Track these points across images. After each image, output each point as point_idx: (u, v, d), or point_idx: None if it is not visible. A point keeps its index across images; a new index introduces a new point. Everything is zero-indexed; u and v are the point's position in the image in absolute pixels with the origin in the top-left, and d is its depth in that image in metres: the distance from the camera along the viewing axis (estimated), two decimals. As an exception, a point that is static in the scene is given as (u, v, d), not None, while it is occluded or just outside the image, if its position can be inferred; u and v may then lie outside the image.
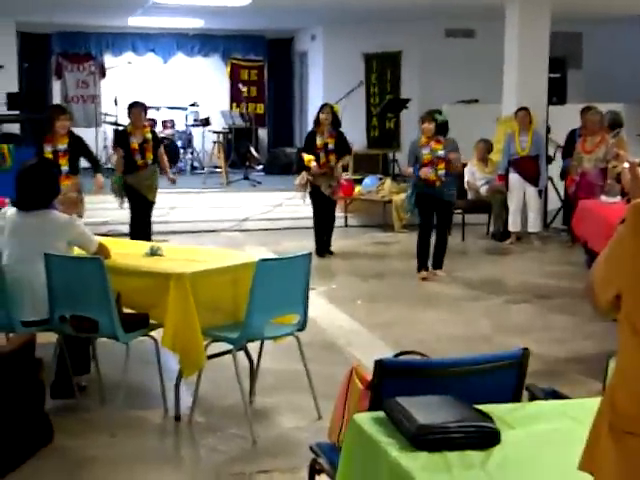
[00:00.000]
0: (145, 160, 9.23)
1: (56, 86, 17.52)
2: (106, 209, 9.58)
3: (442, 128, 8.91)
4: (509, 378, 3.10)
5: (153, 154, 9.29)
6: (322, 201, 10.23)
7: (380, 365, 2.93)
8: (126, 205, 9.43)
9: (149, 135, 9.36)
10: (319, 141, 10.01)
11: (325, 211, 10.33)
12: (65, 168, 8.27)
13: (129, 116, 9.50)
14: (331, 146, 10.03)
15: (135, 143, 9.20)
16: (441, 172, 8.81)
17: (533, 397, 3.26)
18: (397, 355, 3.23)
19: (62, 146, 8.42)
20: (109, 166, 13.24)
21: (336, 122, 10.10)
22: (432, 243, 9.15)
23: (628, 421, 1.99)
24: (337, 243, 10.50)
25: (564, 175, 11.85)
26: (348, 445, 2.76)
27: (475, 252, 11.00)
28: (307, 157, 10.06)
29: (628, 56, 15.55)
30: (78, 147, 8.59)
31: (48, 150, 8.40)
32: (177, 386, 5.14)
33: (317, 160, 9.99)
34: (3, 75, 14.84)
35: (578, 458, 2.10)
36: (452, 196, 9.20)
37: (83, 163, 8.76)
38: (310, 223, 10.68)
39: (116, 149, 9.58)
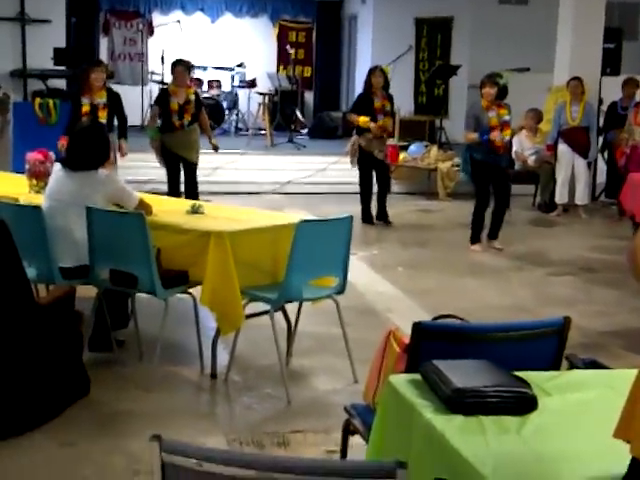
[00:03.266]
0: (182, 121, 9.01)
1: (103, 43, 17.55)
2: (149, 167, 9.56)
3: (502, 92, 8.59)
4: (549, 346, 3.04)
5: (192, 116, 9.08)
6: (373, 167, 10.07)
7: (418, 327, 2.88)
8: (155, 162, 9.36)
9: (192, 96, 9.15)
10: (377, 102, 9.81)
11: (379, 176, 10.18)
12: (102, 122, 8.18)
13: (172, 74, 9.31)
14: (388, 108, 9.90)
15: (175, 103, 9.00)
16: (507, 138, 8.67)
17: (572, 366, 3.19)
18: (436, 318, 3.18)
19: (101, 100, 8.39)
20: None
21: (387, 85, 9.97)
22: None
23: None
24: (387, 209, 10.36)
25: (606, 148, 11.68)
26: (383, 406, 2.73)
27: (521, 223, 10.86)
28: (362, 118, 9.80)
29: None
30: (114, 103, 8.56)
31: (85, 102, 8.37)
32: (214, 344, 5.15)
33: (375, 122, 9.82)
34: (51, 30, 14.84)
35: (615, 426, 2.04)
36: (508, 163, 9.05)
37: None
38: (353, 189, 10.59)
39: (153, 107, 9.47)
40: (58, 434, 4.33)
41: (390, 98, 10.00)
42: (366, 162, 10.04)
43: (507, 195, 9.04)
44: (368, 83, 9.93)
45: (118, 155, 8.68)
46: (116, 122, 8.73)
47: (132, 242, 4.96)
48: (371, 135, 9.83)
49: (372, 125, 9.75)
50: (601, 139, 11.76)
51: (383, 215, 10.25)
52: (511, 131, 8.75)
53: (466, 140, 8.94)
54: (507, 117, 8.62)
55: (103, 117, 8.30)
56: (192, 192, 9.13)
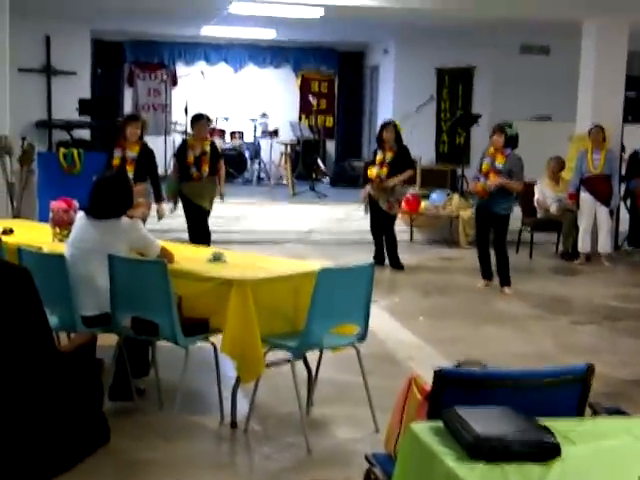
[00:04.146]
0: (200, 173, 9.23)
1: (128, 94, 17.79)
2: (171, 217, 9.62)
3: (512, 141, 8.86)
4: (572, 394, 3.00)
5: (210, 167, 9.27)
6: (378, 215, 10.26)
7: (440, 374, 2.85)
8: (180, 212, 9.46)
9: (208, 148, 9.32)
10: (379, 156, 10.09)
11: (383, 226, 10.33)
12: (130, 175, 8.30)
13: (192, 129, 9.55)
14: (388, 160, 10.02)
15: (192, 156, 9.21)
16: (489, 184, 8.78)
17: (596, 415, 3.15)
18: (458, 365, 3.15)
19: (132, 154, 8.51)
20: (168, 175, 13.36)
21: (398, 138, 10.07)
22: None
23: None
24: (401, 257, 10.40)
25: (629, 195, 11.65)
26: (404, 454, 2.70)
27: (543, 271, 10.81)
28: (369, 170, 10.18)
29: None
30: (147, 159, 8.65)
31: (117, 155, 8.51)
32: (234, 393, 5.12)
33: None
34: (76, 81, 15.11)
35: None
36: (505, 211, 9.01)
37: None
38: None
39: (174, 160, 9.67)
40: (78, 482, 4.31)
41: (401, 149, 10.09)
42: (372, 210, 10.29)
43: (499, 242, 9.15)
44: (379, 137, 10.17)
45: (157, 215, 8.87)
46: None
47: (153, 290, 4.97)
48: (373, 185, 10.05)
49: (367, 186, 10.11)
50: (623, 187, 11.73)
51: (395, 263, 10.34)
52: (496, 178, 8.77)
53: (471, 188, 9.52)
54: (499, 165, 8.80)
55: (130, 171, 8.39)
56: (205, 238, 9.22)
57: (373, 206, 10.25)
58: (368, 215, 10.42)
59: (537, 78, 14.97)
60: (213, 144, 9.64)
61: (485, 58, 15.59)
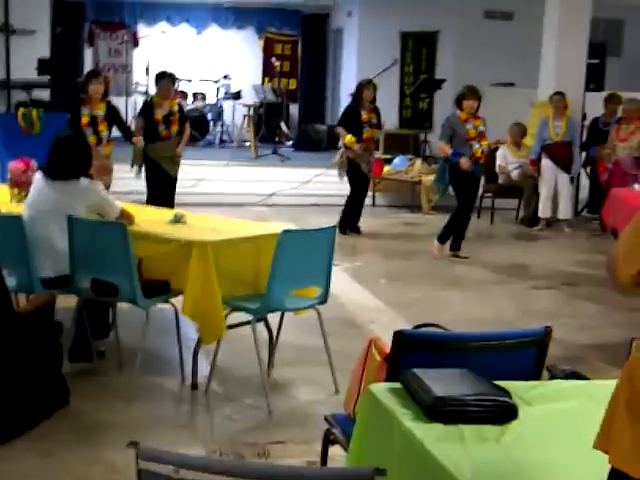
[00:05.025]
0: (169, 131, 9.03)
1: (88, 53, 17.52)
2: (132, 178, 9.51)
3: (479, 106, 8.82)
4: (529, 356, 3.03)
5: (178, 127, 9.10)
6: (360, 178, 10.15)
7: (399, 336, 2.87)
8: (143, 176, 9.24)
9: (175, 107, 9.16)
10: (364, 115, 9.91)
11: (360, 189, 10.25)
12: (105, 134, 8.27)
13: (156, 86, 9.30)
14: (374, 120, 9.98)
15: (159, 114, 9.00)
16: (485, 148, 8.80)
17: (553, 377, 3.19)
18: (417, 327, 3.17)
19: (100, 112, 8.29)
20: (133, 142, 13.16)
21: (374, 99, 10.04)
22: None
23: None
24: (364, 222, 10.41)
25: (589, 163, 11.74)
26: (363, 415, 2.72)
27: (504, 237, 10.89)
28: (348, 137, 9.88)
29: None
30: (113, 116, 8.50)
31: (85, 114, 8.25)
32: (195, 354, 5.13)
33: (361, 135, 9.89)
34: (35, 40, 14.83)
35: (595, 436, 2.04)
36: (480, 174, 9.12)
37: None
38: (338, 201, 10.60)
39: (137, 119, 9.44)
40: (37, 444, 4.30)
41: (377, 111, 10.07)
42: (355, 174, 10.09)
43: (472, 204, 9.19)
44: (358, 96, 9.99)
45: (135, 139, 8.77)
46: (118, 133, 8.73)
47: (113, 252, 4.94)
48: (360, 147, 9.88)
49: (356, 147, 9.82)
50: (583, 154, 11.82)
51: (355, 227, 10.32)
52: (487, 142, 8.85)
53: (440, 151, 9.06)
54: (482, 128, 8.77)
55: (103, 129, 8.26)
56: (170, 206, 8.99)
57: (353, 171, 10.05)
58: (344, 180, 10.25)
59: (501, 44, 14.97)
60: (180, 105, 9.50)
61: (449, 23, 15.54)
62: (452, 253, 9.13)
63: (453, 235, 9.11)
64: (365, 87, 9.98)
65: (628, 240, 2.07)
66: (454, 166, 8.76)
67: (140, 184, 9.50)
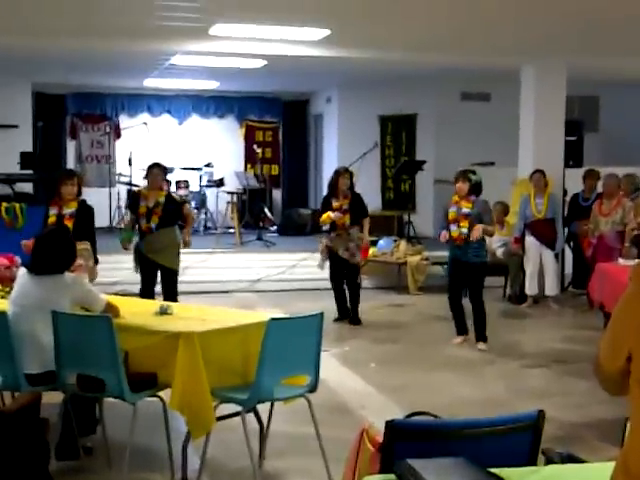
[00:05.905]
0: (149, 225, 8.74)
1: (71, 146, 17.65)
2: (117, 269, 9.49)
3: (475, 188, 8.64)
4: (524, 441, 2.99)
5: (161, 218, 8.74)
6: (340, 265, 10.01)
7: (391, 426, 2.83)
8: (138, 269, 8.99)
9: (162, 199, 8.84)
10: (335, 204, 9.85)
11: (346, 276, 10.08)
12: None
13: (147, 177, 9.03)
14: (345, 207, 9.87)
15: (143, 207, 8.77)
16: (464, 230, 8.52)
17: (549, 461, 3.14)
18: (409, 416, 3.13)
19: (69, 210, 7.95)
20: (121, 226, 13.15)
21: (351, 186, 10.00)
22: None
23: None
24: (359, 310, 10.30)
25: (571, 238, 11.81)
26: (358, 509, 2.66)
27: (491, 315, 10.79)
28: (323, 217, 9.91)
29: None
30: (85, 216, 8.06)
31: (52, 213, 7.99)
32: (184, 448, 5.02)
33: (334, 223, 9.85)
34: (17, 134, 14.99)
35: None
36: (480, 258, 8.75)
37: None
38: (324, 285, 10.58)
39: (128, 214, 9.22)
40: None
41: (355, 196, 9.97)
42: (332, 260, 10.01)
43: (476, 292, 8.85)
44: (334, 184, 9.94)
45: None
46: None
47: (99, 346, 4.88)
48: (334, 234, 9.86)
49: (332, 215, 9.78)
50: (566, 230, 11.91)
51: (355, 317, 10.10)
52: (469, 223, 8.52)
53: (441, 240, 8.88)
54: (466, 210, 8.57)
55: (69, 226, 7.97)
56: (171, 298, 8.54)
57: (333, 257, 9.99)
58: (326, 267, 10.14)
59: (479, 124, 15.21)
60: (169, 195, 9.25)
61: (427, 105, 15.80)
62: (461, 338, 9.00)
63: (473, 325, 8.91)
64: (341, 175, 9.94)
65: (609, 336, 2.08)
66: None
67: (125, 274, 9.44)
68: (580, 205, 11.63)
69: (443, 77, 14.54)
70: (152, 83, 16.04)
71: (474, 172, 8.85)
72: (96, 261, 8.22)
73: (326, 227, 10.00)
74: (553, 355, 8.54)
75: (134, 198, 9.16)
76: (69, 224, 7.83)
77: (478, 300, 8.81)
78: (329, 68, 13.96)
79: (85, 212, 8.06)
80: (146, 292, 8.79)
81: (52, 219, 7.95)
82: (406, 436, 2.82)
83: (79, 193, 8.12)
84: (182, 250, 9.13)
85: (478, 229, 8.46)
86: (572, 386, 7.38)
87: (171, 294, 8.78)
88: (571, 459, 3.20)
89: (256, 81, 15.88)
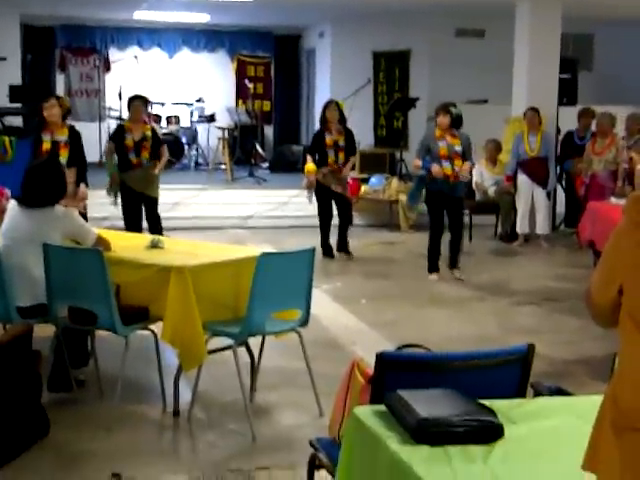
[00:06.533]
0: (140, 159, 8.89)
1: (60, 79, 17.45)
2: (107, 204, 9.43)
3: (456, 122, 8.70)
4: (513, 374, 3.01)
5: (150, 153, 8.94)
6: (332, 200, 10.03)
7: (382, 358, 2.84)
8: (119, 201, 9.12)
9: (149, 133, 9.00)
10: (328, 139, 9.79)
11: (340, 209, 10.13)
12: (63, 160, 7.77)
13: (129, 110, 9.19)
14: (341, 143, 9.82)
15: (130, 140, 8.87)
16: (457, 168, 8.61)
17: (537, 394, 3.17)
18: (399, 348, 3.14)
19: (62, 137, 7.95)
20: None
21: (342, 119, 9.93)
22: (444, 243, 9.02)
23: (631, 417, 1.94)
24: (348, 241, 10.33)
25: (563, 177, 11.80)
26: (348, 439, 2.68)
27: (482, 253, 10.89)
28: (308, 167, 9.88)
29: (639, 58, 15.47)
30: (74, 142, 8.06)
31: (46, 139, 7.94)
32: (176, 381, 5.07)
33: (326, 158, 9.80)
34: (6, 67, 14.78)
35: (582, 454, 2.04)
36: (463, 191, 9.05)
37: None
38: (315, 222, 10.56)
39: (109, 142, 9.25)
40: (18, 477, 4.22)
41: (348, 132, 9.95)
42: (323, 195, 9.99)
43: (460, 224, 9.06)
44: (323, 118, 9.92)
45: (77, 197, 8.22)
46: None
47: (90, 279, 4.88)
48: (325, 169, 9.83)
49: (311, 178, 9.79)
50: (558, 169, 11.88)
51: (344, 247, 10.19)
52: (462, 162, 8.67)
53: (413, 167, 9.05)
54: (458, 147, 8.66)
55: (64, 155, 7.98)
56: (155, 227, 9.00)
57: (322, 192, 9.96)
58: (314, 201, 10.16)
59: (473, 61, 15.04)
60: (154, 130, 9.34)
61: (421, 41, 15.60)
62: (437, 274, 9.04)
63: (449, 254, 9.01)
64: (327, 108, 9.89)
65: (600, 267, 2.09)
66: (427, 184, 8.81)
67: (115, 209, 9.42)
68: (575, 143, 11.60)
69: (437, 13, 14.36)
70: (142, 16, 15.80)
71: (454, 105, 8.88)
72: (84, 180, 8.13)
73: (312, 178, 9.89)
74: (544, 293, 8.58)
75: (119, 130, 9.22)
76: (64, 152, 7.86)
77: (460, 232, 9.09)
78: (321, 2, 13.77)
79: (75, 137, 8.06)
80: (133, 225, 8.95)
81: (47, 145, 7.91)
82: (396, 368, 2.84)
83: (64, 117, 8.04)
84: (173, 187, 9.25)
85: (468, 167, 8.74)
86: (563, 323, 7.43)
87: (157, 224, 9.08)
88: (560, 392, 3.23)
89: (248, 15, 15.66)
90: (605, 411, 2.00)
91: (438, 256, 9.02)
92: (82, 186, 8.05)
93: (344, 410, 3.07)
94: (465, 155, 8.72)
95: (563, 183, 12.18)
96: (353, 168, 11.14)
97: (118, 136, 9.10)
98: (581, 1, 12.24)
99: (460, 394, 2.63)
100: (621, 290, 2.01)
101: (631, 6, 13.09)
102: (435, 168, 8.59)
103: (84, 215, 7.79)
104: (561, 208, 12.29)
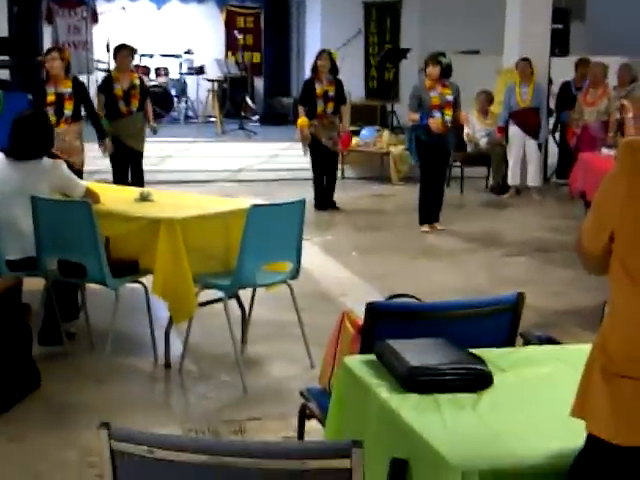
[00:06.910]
0: (129, 107, 8.90)
1: (47, 32, 17.23)
2: (96, 157, 9.37)
3: (446, 71, 8.67)
4: (503, 323, 3.02)
5: (139, 102, 8.97)
6: (322, 153, 9.99)
7: (372, 308, 2.84)
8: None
9: (137, 81, 9.03)
10: (318, 89, 9.74)
11: (326, 163, 10.11)
12: (68, 112, 8.00)
13: (115, 60, 9.18)
14: (331, 94, 9.76)
15: (119, 89, 8.87)
16: (448, 118, 8.64)
17: (527, 343, 3.18)
18: (390, 298, 3.14)
19: (66, 89, 8.00)
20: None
21: (334, 69, 9.86)
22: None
23: (620, 364, 1.95)
24: (334, 195, 10.34)
25: (558, 127, 11.75)
26: (338, 388, 2.69)
27: (474, 205, 10.89)
28: (301, 121, 9.83)
29: (632, 9, 15.32)
30: (80, 94, 8.22)
31: (51, 92, 7.99)
32: (167, 333, 5.08)
33: (315, 108, 9.75)
34: (-8, 20, 14.61)
35: (571, 401, 2.04)
36: (452, 144, 9.13)
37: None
38: (306, 175, 10.53)
39: (98, 95, 9.26)
40: (8, 429, 4.24)
41: (338, 83, 9.89)
42: (316, 148, 9.95)
43: (443, 177, 9.17)
44: (314, 67, 9.87)
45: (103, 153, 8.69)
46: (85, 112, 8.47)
47: (79, 231, 4.86)
48: (317, 121, 9.77)
49: (305, 132, 9.76)
50: (553, 119, 11.81)
51: (330, 202, 10.19)
52: (454, 111, 8.68)
53: (409, 120, 9.07)
54: (450, 97, 8.66)
55: (69, 108, 8.02)
56: (139, 181, 9.03)
57: (314, 145, 9.91)
58: (307, 154, 10.11)
59: (464, 11, 14.91)
60: (141, 79, 9.38)
61: (413, -9, 15.47)
62: (429, 226, 9.05)
63: (427, 207, 9.03)
64: (318, 58, 9.85)
65: (592, 214, 2.08)
66: (419, 135, 8.75)
67: (104, 162, 9.38)
68: (572, 94, 11.50)
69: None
70: (131, -34, 15.60)
71: (444, 55, 8.85)
72: (103, 135, 8.53)
73: (306, 131, 9.84)
74: (535, 244, 8.59)
75: (107, 81, 9.20)
76: (69, 105, 8.00)
77: (442, 184, 9.17)
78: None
79: (80, 89, 8.22)
80: (121, 178, 9.00)
81: (51, 97, 7.99)
82: (386, 317, 2.84)
83: (67, 70, 8.13)
84: (163, 140, 9.26)
85: (463, 116, 8.82)
86: (554, 274, 7.45)
87: (141, 177, 9.18)
88: (549, 341, 3.23)
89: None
90: (594, 358, 2.01)
91: (430, 207, 9.01)
92: (107, 141, 8.50)
93: (334, 360, 3.08)
94: (456, 104, 8.70)
95: (557, 134, 12.12)
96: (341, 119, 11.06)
97: (106, 86, 9.07)
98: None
99: (450, 343, 2.63)
100: (612, 237, 1.99)
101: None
102: (433, 123, 8.54)
103: (80, 171, 7.86)
104: (553, 159, 12.26)
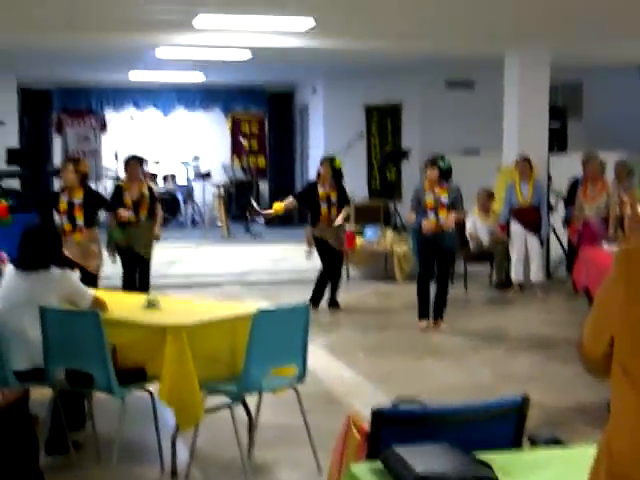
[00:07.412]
0: (138, 216, 9.10)
1: (57, 141, 17.59)
2: (106, 263, 9.47)
3: (446, 174, 8.84)
4: (509, 426, 3.01)
5: (148, 210, 9.19)
6: (329, 253, 10.09)
7: (377, 414, 2.85)
8: (117, 259, 9.30)
9: (146, 191, 9.26)
10: (321, 191, 9.95)
11: (332, 263, 10.17)
12: (80, 222, 8.21)
13: (125, 171, 9.45)
14: (333, 199, 9.96)
15: (129, 199, 9.10)
16: (442, 219, 8.77)
17: (534, 445, 3.17)
18: (395, 404, 3.15)
19: (77, 200, 8.24)
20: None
21: (337, 176, 10.07)
22: (432, 292, 9.08)
23: (625, 466, 1.94)
24: (339, 295, 10.39)
25: (567, 223, 11.82)
26: (344, 497, 2.68)
27: (478, 302, 10.91)
28: (276, 205, 10.30)
29: (628, 105, 15.63)
30: (94, 202, 8.48)
31: (64, 200, 8.27)
32: (174, 441, 5.05)
33: (319, 212, 9.92)
34: (4, 131, 14.92)
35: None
36: (453, 245, 9.18)
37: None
38: (312, 276, 10.58)
39: (109, 215, 9.43)
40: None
41: (340, 188, 10.08)
42: (323, 249, 10.08)
43: (446, 277, 9.13)
44: (318, 173, 10.12)
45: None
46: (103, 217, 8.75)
47: (87, 341, 4.89)
48: (323, 225, 9.93)
49: (279, 207, 10.18)
50: (562, 214, 11.83)
51: (334, 302, 10.25)
52: (451, 212, 8.79)
53: (407, 220, 9.21)
54: (445, 199, 8.81)
55: (80, 217, 8.23)
56: (145, 287, 9.16)
57: (321, 246, 10.07)
58: (312, 257, 10.25)
59: (463, 112, 15.21)
60: (150, 188, 9.57)
61: (412, 94, 15.79)
62: (427, 322, 9.09)
63: (433, 305, 9.08)
64: (321, 165, 10.13)
65: (591, 321, 2.11)
66: (416, 234, 8.98)
67: (112, 268, 9.47)
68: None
69: (427, 66, 14.54)
70: (137, 76, 16.00)
71: (443, 158, 9.00)
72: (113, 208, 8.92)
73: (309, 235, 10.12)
74: (538, 340, 8.59)
75: (117, 191, 9.43)
76: (79, 214, 8.25)
77: (446, 284, 9.16)
78: (314, 59, 13.94)
79: (92, 197, 8.52)
80: (130, 284, 9.15)
81: (63, 206, 8.30)
82: (392, 423, 2.85)
83: (83, 180, 8.40)
84: (170, 244, 9.38)
85: (452, 218, 8.80)
86: (558, 371, 7.42)
87: (146, 283, 9.32)
88: (556, 443, 3.23)
89: (241, 73, 15.85)
90: (600, 460, 2.01)
91: (427, 304, 9.10)
92: (121, 210, 8.82)
93: (341, 467, 3.07)
94: (453, 206, 8.82)
95: (556, 231, 12.18)
96: (348, 219, 11.20)
97: (117, 197, 9.29)
98: (569, 51, 12.40)
99: (456, 448, 2.63)
100: (612, 341, 2.02)
101: (618, 54, 13.28)
102: (425, 224, 8.71)
103: (95, 276, 8.02)
104: (555, 255, 12.31)
